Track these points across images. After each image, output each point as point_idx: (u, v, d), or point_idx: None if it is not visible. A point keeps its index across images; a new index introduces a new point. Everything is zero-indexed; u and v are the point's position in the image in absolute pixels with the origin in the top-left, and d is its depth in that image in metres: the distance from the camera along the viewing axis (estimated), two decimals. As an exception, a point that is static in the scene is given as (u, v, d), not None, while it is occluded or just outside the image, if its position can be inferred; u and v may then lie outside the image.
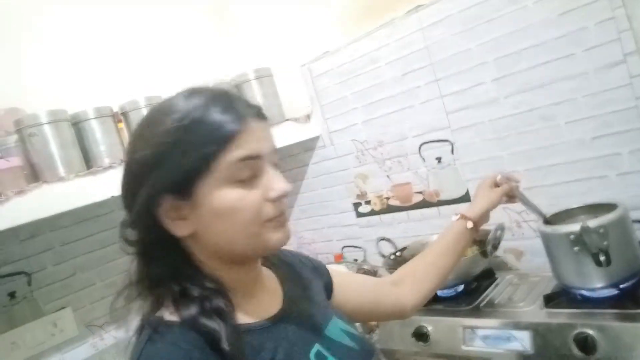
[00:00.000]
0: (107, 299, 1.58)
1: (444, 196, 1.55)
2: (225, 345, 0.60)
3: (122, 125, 1.44)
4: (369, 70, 1.61)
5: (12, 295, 1.39)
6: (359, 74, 1.64)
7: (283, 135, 1.72)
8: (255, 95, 1.69)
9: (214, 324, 0.61)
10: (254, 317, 0.69)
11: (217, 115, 0.64)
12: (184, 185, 0.64)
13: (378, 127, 1.64)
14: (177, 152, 0.63)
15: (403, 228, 1.68)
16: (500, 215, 1.37)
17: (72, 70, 1.58)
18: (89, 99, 1.36)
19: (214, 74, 1.65)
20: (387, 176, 1.68)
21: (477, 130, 1.42)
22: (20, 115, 1.24)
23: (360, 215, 1.81)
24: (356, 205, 1.81)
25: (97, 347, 1.53)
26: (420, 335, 1.23)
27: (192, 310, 0.63)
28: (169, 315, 0.64)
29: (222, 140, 0.63)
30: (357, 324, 0.88)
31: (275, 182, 0.66)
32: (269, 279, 0.79)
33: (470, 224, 1.01)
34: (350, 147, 1.75)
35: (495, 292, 1.28)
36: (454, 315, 1.23)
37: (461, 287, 1.33)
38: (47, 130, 1.20)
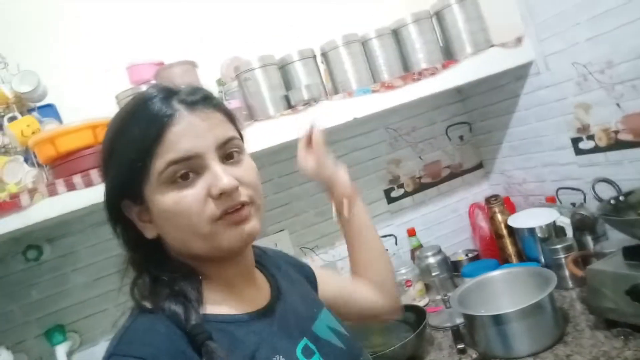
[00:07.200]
0: (317, 225, 1.78)
1: (698, 128, 1.21)
2: (187, 327, 0.59)
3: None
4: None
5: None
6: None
7: (488, 64, 1.57)
8: (458, 21, 1.56)
9: (177, 306, 0.61)
10: (237, 309, 0.67)
11: (144, 116, 0.63)
12: (132, 190, 0.64)
13: (606, 45, 1.35)
14: (115, 158, 0.65)
15: (636, 168, 1.38)
16: None
17: (279, 16, 1.74)
18: (293, 43, 1.48)
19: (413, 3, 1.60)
20: (617, 104, 1.38)
21: None
22: (239, 62, 1.43)
23: (580, 152, 1.56)
24: (576, 141, 1.56)
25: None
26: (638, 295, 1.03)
27: (162, 295, 0.63)
28: (149, 304, 0.64)
29: (147, 144, 0.61)
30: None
31: (217, 178, 0.62)
32: (257, 274, 0.77)
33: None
34: (570, 71, 1.48)
35: None
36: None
37: None
38: (259, 74, 1.36)
